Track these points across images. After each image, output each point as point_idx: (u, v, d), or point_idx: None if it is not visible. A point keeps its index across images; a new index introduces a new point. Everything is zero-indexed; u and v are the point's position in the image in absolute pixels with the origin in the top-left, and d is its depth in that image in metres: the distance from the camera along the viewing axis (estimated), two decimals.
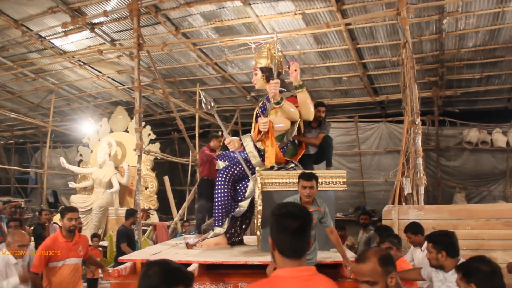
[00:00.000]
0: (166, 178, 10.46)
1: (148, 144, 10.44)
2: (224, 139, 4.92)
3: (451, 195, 10.77)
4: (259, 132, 4.33)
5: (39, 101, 12.45)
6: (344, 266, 3.55)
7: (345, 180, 4.41)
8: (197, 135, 10.59)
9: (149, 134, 10.64)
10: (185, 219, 9.59)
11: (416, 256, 4.56)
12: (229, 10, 7.66)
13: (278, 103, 4.38)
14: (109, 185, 10.45)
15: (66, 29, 8.12)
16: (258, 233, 4.19)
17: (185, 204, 9.51)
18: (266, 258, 3.67)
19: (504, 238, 5.17)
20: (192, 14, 7.81)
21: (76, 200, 10.25)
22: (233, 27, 8.18)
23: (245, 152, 4.55)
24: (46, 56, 9.58)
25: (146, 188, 10.41)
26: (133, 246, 6.87)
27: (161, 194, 10.58)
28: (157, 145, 10.70)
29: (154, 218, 10.25)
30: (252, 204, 4.59)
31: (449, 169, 11.15)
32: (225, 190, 4.45)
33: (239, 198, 4.58)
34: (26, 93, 12.00)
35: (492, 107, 11.30)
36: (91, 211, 10.04)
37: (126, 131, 11.09)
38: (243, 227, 4.83)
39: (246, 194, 4.54)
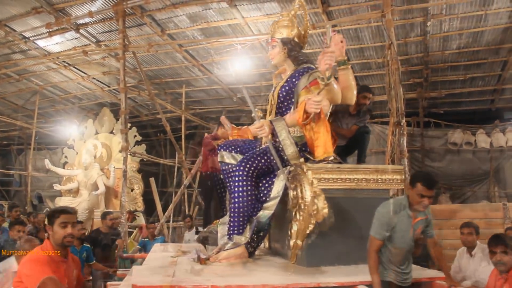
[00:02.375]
0: (152, 179, 10.40)
1: (134, 146, 10.39)
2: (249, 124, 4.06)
3: (436, 196, 10.87)
4: (306, 114, 3.23)
5: (23, 102, 12.31)
6: (449, 286, 2.96)
7: (403, 177, 3.49)
8: (183, 136, 10.57)
9: (135, 136, 10.59)
10: (151, 222, 9.53)
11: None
12: (215, 11, 7.66)
13: (327, 78, 3.21)
14: (95, 187, 10.38)
15: (50, 30, 8.03)
16: (298, 242, 3.20)
17: (171, 206, 9.46)
18: (336, 277, 2.83)
19: (487, 238, 5.23)
20: (178, 15, 7.79)
21: (61, 203, 10.16)
22: (219, 28, 8.18)
23: (277, 141, 3.48)
24: (30, 57, 9.48)
25: (132, 190, 10.36)
26: (107, 249, 6.73)
27: (147, 196, 10.53)
28: (143, 146, 10.67)
29: (140, 220, 10.19)
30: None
31: (434, 169, 11.24)
32: (248, 188, 3.45)
33: (263, 198, 3.58)
34: (9, 94, 11.86)
35: (476, 109, 11.43)
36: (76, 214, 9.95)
37: (112, 132, 11.02)
38: (261, 234, 3.65)
39: (272, 194, 3.54)
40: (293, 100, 3.57)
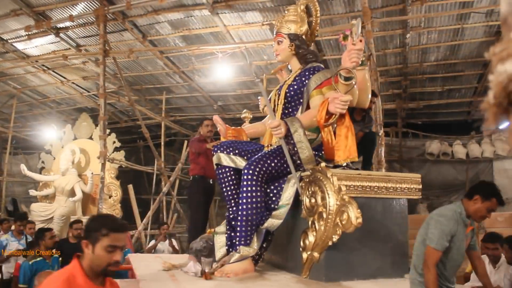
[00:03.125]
0: (130, 186, 10.31)
1: (113, 152, 10.30)
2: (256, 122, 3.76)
3: (414, 205, 10.99)
4: (328, 115, 2.95)
5: (0, 105, 12.12)
6: None
7: (420, 186, 3.26)
8: (162, 143, 10.53)
9: (114, 142, 10.49)
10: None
11: None
12: (197, 19, 7.67)
13: (349, 78, 2.93)
14: (72, 193, 10.23)
15: (29, 33, 7.95)
16: (315, 255, 2.88)
17: (150, 213, 9.39)
18: None
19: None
20: (159, 22, 7.79)
21: (36, 209, 9.98)
22: (200, 36, 8.19)
23: (292, 142, 3.09)
24: (8, 60, 9.35)
25: (110, 197, 10.24)
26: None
27: (125, 203, 10.43)
28: (122, 153, 10.57)
29: None
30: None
31: None
32: (257, 194, 3.12)
33: (272, 206, 3.24)
34: None
35: (452, 120, 11.63)
36: (52, 220, 9.80)
37: (91, 138, 10.90)
38: (264, 245, 3.27)
39: (282, 201, 3.21)
40: (301, 100, 3.38)
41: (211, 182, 6.06)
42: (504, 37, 0.60)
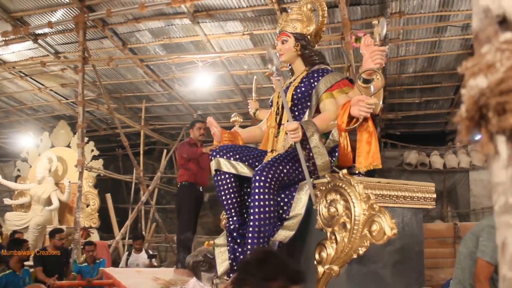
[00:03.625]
0: (108, 195, 10.21)
1: (91, 160, 10.18)
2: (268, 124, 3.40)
3: None
4: (350, 118, 2.75)
5: None
6: None
7: (434, 196, 3.14)
8: (141, 152, 10.44)
9: (92, 150, 10.38)
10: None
11: None
12: (178, 27, 7.67)
13: (368, 81, 2.80)
14: (48, 202, 10.06)
15: (6, 38, 7.83)
16: (335, 268, 2.65)
17: (128, 223, 9.29)
18: None
19: (441, 257, 5.37)
20: (140, 30, 7.76)
21: (11, 218, 9.80)
22: (181, 44, 8.18)
23: (308, 147, 2.85)
24: None
25: (87, 206, 10.10)
26: (58, 270, 6.29)
27: (103, 212, 10.30)
28: (100, 161, 10.45)
29: (95, 236, 9.93)
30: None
31: None
32: (270, 203, 2.88)
33: (283, 216, 3.02)
34: None
35: (430, 131, 11.80)
36: (27, 229, 9.62)
37: (69, 146, 10.76)
38: None
39: (293, 210, 2.98)
40: (308, 103, 3.19)
41: (201, 190, 5.82)
42: (476, 52, 0.61)
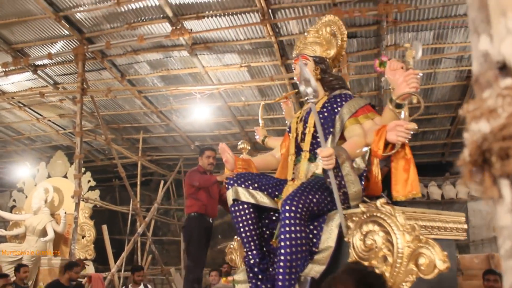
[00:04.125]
0: (104, 227, 10.10)
1: (88, 191, 10.12)
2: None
3: None
4: (389, 145, 2.58)
5: None
6: None
7: (465, 226, 2.97)
8: (138, 183, 10.39)
9: (89, 181, 10.32)
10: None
11: None
12: (176, 59, 7.76)
13: (401, 105, 2.68)
14: (43, 233, 9.95)
15: (6, 69, 7.90)
16: None
17: (124, 254, 9.18)
18: None
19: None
20: (138, 61, 7.85)
21: (5, 249, 9.66)
22: (179, 76, 8.26)
23: (339, 175, 2.67)
24: None
25: (83, 237, 9.99)
26: None
27: (98, 243, 10.18)
28: (97, 192, 10.38)
29: (91, 268, 9.80)
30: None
31: None
32: (301, 236, 2.62)
33: (312, 249, 2.78)
34: None
35: (427, 161, 11.81)
36: (21, 261, 9.48)
37: (65, 176, 10.71)
38: None
39: (323, 243, 2.73)
40: (331, 129, 3.00)
41: (211, 221, 5.55)
42: (477, 96, 0.61)
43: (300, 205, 2.62)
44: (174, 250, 12.03)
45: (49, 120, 10.52)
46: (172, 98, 8.90)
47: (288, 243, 2.59)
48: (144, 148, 10.86)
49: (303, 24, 6.81)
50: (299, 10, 6.55)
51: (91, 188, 10.40)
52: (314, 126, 3.00)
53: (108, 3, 6.40)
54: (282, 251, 2.60)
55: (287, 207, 2.62)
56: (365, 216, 2.52)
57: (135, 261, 10.40)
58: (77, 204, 7.25)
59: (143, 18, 6.75)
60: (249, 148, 3.97)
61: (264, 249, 3.02)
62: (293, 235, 2.59)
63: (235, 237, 3.52)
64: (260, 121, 4.07)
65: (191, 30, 6.71)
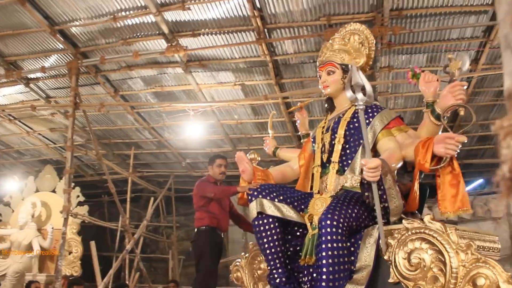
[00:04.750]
0: (92, 243, 9.95)
1: (76, 206, 9.99)
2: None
3: None
4: (435, 158, 2.43)
5: None
6: None
7: (499, 246, 2.79)
8: (128, 199, 10.28)
9: (78, 196, 10.19)
10: None
11: None
12: (170, 76, 7.76)
13: (439, 117, 2.63)
14: (29, 248, 9.78)
15: None
16: None
17: (111, 272, 9.03)
18: None
19: None
20: (132, 77, 7.83)
21: None
22: (172, 93, 8.25)
23: (382, 188, 2.50)
24: None
25: (69, 253, 9.83)
26: None
27: (85, 260, 10.02)
28: (86, 207, 10.25)
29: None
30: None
31: None
32: (343, 253, 2.45)
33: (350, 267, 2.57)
34: None
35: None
36: (4, 277, 9.28)
37: (54, 191, 10.58)
38: None
39: (361, 261, 2.53)
40: (361, 140, 2.81)
41: (222, 236, 5.22)
42: (510, 111, 0.60)
43: (341, 220, 2.45)
44: (162, 268, 11.88)
45: (39, 134, 10.42)
46: (165, 114, 8.87)
47: (330, 260, 2.40)
48: (134, 164, 10.77)
49: (298, 44, 6.86)
50: (295, 30, 6.59)
51: (79, 204, 10.28)
52: (345, 136, 2.90)
53: (104, 18, 6.40)
54: (324, 269, 2.40)
55: (328, 222, 2.43)
56: (410, 233, 2.39)
57: (122, 279, 10.24)
58: (66, 220, 7.13)
59: (138, 34, 6.76)
60: (259, 158, 3.67)
61: (289, 267, 2.81)
62: (335, 252, 2.41)
63: (242, 253, 3.42)
64: (270, 132, 3.88)
65: (187, 47, 6.72)
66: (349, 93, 2.57)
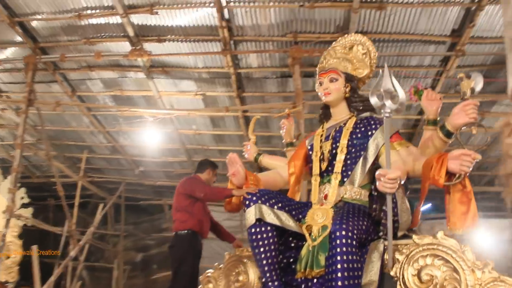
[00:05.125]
0: (34, 247, 9.53)
1: (20, 208, 9.58)
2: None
3: None
4: (447, 174, 2.36)
5: None
6: None
7: None
8: (76, 204, 9.94)
9: (22, 197, 9.80)
10: None
11: None
12: (131, 80, 7.65)
13: (451, 135, 2.61)
14: None
15: None
16: None
17: (52, 279, 8.66)
18: None
19: None
20: (92, 78, 7.67)
21: None
22: (132, 98, 8.13)
23: (394, 201, 2.47)
24: None
25: (7, 258, 9.38)
26: None
27: (24, 265, 9.58)
28: (30, 210, 9.86)
29: None
30: None
31: None
32: (358, 266, 2.35)
33: None
34: None
35: None
36: None
37: None
38: None
39: (365, 278, 2.44)
40: (362, 152, 2.78)
41: (201, 242, 4.78)
42: None
43: (355, 231, 2.35)
44: (106, 278, 11.50)
45: None
46: (122, 119, 8.68)
47: (346, 274, 2.27)
48: (86, 169, 10.43)
49: (263, 58, 6.93)
50: (261, 44, 6.66)
51: (23, 206, 9.87)
52: (348, 146, 2.81)
53: (68, 14, 6.26)
54: (339, 283, 2.26)
55: (343, 232, 2.31)
56: (420, 249, 2.36)
57: (62, 287, 9.85)
58: (8, 221, 6.81)
59: (103, 34, 6.65)
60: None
61: (283, 280, 2.65)
62: (350, 265, 2.28)
63: (216, 264, 3.22)
64: (251, 137, 3.59)
65: (151, 52, 6.65)
66: (373, 100, 2.44)
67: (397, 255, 2.42)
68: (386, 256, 2.49)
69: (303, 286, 2.49)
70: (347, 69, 2.97)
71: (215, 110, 8.04)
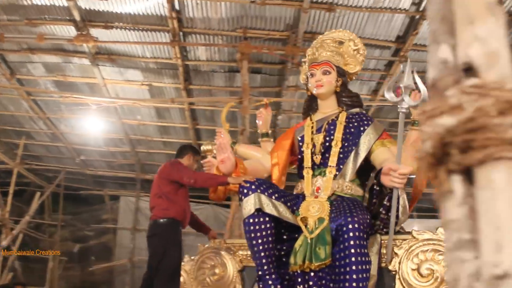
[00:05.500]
0: None
1: None
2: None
3: None
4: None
5: None
6: None
7: None
8: (11, 191, 9.55)
9: None
10: None
11: None
12: (75, 66, 7.45)
13: (416, 123, 2.67)
14: None
15: None
16: None
17: None
18: None
19: None
20: (33, 61, 7.39)
21: None
22: (75, 84, 7.91)
23: (397, 197, 2.41)
24: None
25: None
26: None
27: None
28: None
29: None
30: None
31: None
32: (368, 260, 2.31)
33: None
34: None
35: None
36: None
37: None
38: None
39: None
40: (353, 147, 2.74)
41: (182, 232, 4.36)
42: (434, 98, 0.66)
43: (365, 224, 2.30)
44: (40, 269, 11.11)
45: None
46: (64, 105, 8.40)
47: (360, 267, 2.22)
48: (23, 155, 10.04)
49: (212, 52, 6.92)
50: (210, 37, 6.66)
51: None
52: (343, 140, 2.76)
53: None
54: (354, 276, 2.21)
55: (356, 225, 2.25)
56: (420, 244, 2.37)
57: None
58: None
59: (47, 16, 6.41)
60: (215, 151, 2.99)
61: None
62: (362, 258, 2.24)
63: (187, 255, 3.14)
64: (225, 124, 3.32)
65: (97, 38, 6.51)
66: (389, 94, 2.41)
67: (396, 250, 2.44)
68: (383, 251, 2.49)
69: (299, 279, 2.43)
70: (339, 63, 2.91)
71: (161, 101, 7.96)
